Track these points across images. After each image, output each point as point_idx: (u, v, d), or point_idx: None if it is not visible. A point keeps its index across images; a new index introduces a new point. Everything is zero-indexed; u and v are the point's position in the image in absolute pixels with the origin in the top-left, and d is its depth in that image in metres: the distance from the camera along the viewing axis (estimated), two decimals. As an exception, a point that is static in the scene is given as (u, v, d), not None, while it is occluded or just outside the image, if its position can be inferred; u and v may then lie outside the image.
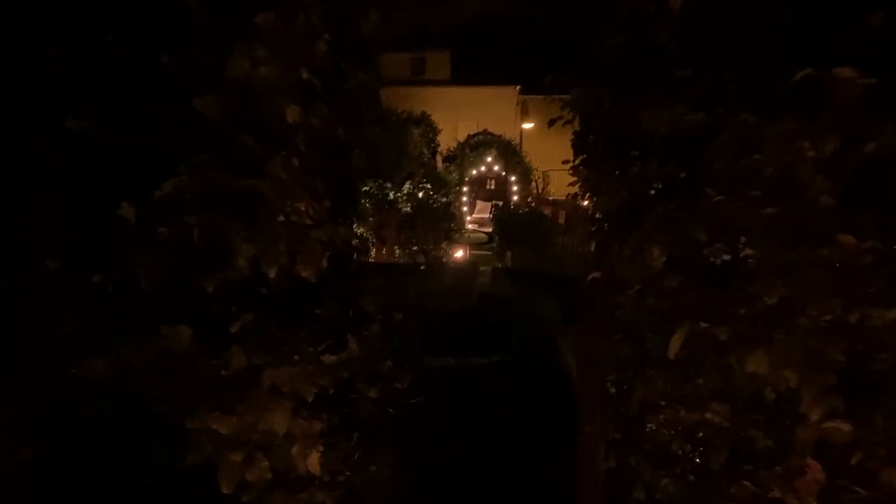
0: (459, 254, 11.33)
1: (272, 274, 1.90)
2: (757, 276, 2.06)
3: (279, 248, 1.88)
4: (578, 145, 3.83)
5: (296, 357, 2.01)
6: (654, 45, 2.91)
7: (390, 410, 3.55)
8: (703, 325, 2.19)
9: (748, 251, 2.16)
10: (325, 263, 2.14)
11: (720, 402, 2.33)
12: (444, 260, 14.06)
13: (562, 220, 16.93)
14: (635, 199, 3.03)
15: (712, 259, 2.40)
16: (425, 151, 22.36)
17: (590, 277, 3.93)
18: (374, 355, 3.29)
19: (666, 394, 2.70)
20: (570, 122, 3.96)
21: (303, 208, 2.01)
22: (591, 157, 3.57)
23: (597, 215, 3.46)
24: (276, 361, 1.91)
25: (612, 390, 3.37)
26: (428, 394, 8.16)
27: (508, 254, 14.69)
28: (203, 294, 1.86)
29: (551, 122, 4.00)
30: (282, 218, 1.96)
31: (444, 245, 14.49)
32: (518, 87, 30.88)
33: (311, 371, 2.04)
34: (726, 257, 2.49)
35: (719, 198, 2.24)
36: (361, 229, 15.58)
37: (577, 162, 3.87)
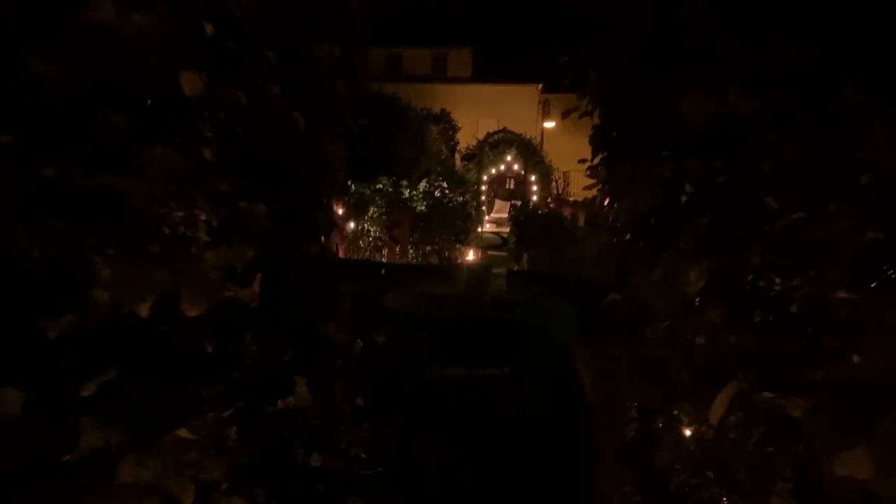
0: (471, 256, 10.74)
1: (143, 313, 1.30)
2: (853, 327, 1.44)
3: (153, 276, 1.30)
4: (598, 141, 3.19)
5: (181, 431, 1.40)
6: (694, 14, 2.27)
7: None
8: (766, 394, 1.57)
9: (841, 292, 1.51)
10: (236, 292, 1.53)
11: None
12: (459, 261, 13.44)
13: (582, 223, 16.24)
14: (667, 207, 2.39)
15: (774, 293, 1.78)
16: (444, 149, 21.74)
17: (608, 300, 3.27)
18: (336, 400, 2.65)
19: (702, 461, 2.07)
20: (588, 113, 3.30)
21: (202, 217, 1.41)
22: (612, 154, 2.93)
23: (618, 224, 2.82)
24: (143, 441, 1.31)
25: (634, 440, 2.73)
26: (431, 408, 7.57)
27: (525, 256, 14.05)
28: (42, 341, 1.27)
29: (566, 114, 3.35)
30: (167, 231, 1.36)
31: (458, 246, 13.84)
32: (540, 86, 30.23)
33: (200, 453, 1.43)
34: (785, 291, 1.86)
35: (798, 215, 1.60)
36: (373, 228, 15.00)
37: (595, 161, 3.23)
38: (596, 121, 3.60)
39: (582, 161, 3.49)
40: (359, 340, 3.08)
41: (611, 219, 2.90)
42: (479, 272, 9.43)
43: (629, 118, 2.66)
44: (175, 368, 1.41)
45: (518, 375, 8.29)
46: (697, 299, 2.22)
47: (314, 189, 2.70)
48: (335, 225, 3.27)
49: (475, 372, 8.38)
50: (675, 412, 2.45)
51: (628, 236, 2.73)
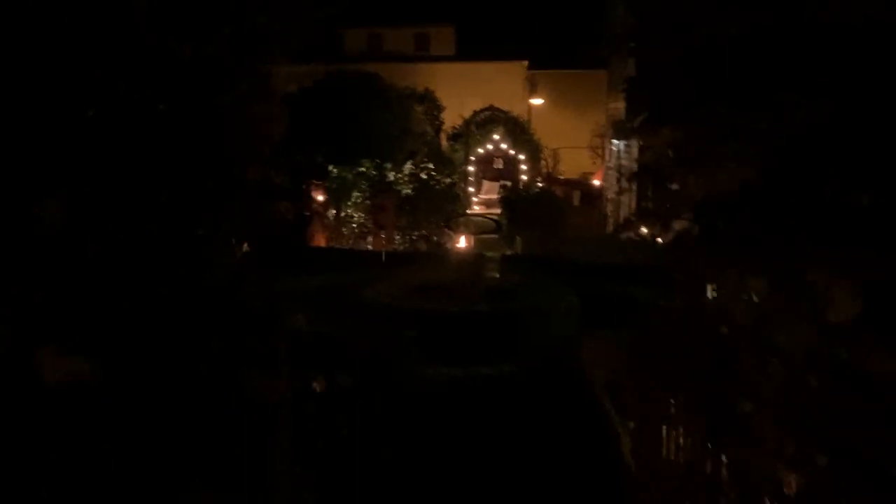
0: (462, 242, 9.82)
1: None
2: None
3: None
4: (638, 92, 2.23)
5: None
6: None
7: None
8: None
9: None
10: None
11: None
12: (448, 247, 12.51)
13: (577, 202, 15.32)
14: (785, 178, 1.44)
15: None
16: (429, 129, 20.68)
17: (661, 306, 2.37)
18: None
19: None
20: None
21: None
22: (667, 104, 1.97)
23: (686, 207, 1.87)
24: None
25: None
26: (423, 415, 6.64)
27: (518, 239, 13.14)
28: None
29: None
30: None
31: (447, 232, 12.82)
32: (526, 62, 29.12)
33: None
34: None
35: None
36: (357, 215, 14.04)
37: (638, 122, 2.27)
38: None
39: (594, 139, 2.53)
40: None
41: (676, 197, 1.95)
42: (472, 260, 8.50)
43: (706, 44, 1.71)
44: None
45: (520, 374, 7.39)
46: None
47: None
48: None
49: (472, 371, 7.48)
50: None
51: (706, 220, 1.79)
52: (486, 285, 8.56)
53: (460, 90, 26.79)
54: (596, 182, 21.55)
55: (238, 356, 2.46)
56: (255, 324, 2.68)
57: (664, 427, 2.76)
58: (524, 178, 21.01)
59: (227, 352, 2.40)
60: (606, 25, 17.41)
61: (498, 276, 10.26)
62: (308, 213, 12.00)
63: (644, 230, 14.61)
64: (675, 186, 2.05)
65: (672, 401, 3.08)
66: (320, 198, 12.42)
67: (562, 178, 23.80)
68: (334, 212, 13.60)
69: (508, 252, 13.48)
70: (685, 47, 1.82)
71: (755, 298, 1.51)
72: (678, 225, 2.04)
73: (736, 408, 1.74)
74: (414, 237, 13.75)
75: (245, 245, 2.86)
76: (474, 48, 29.13)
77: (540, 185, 19.53)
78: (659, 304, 9.63)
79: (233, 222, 2.38)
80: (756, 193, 1.57)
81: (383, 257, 10.80)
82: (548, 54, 28.09)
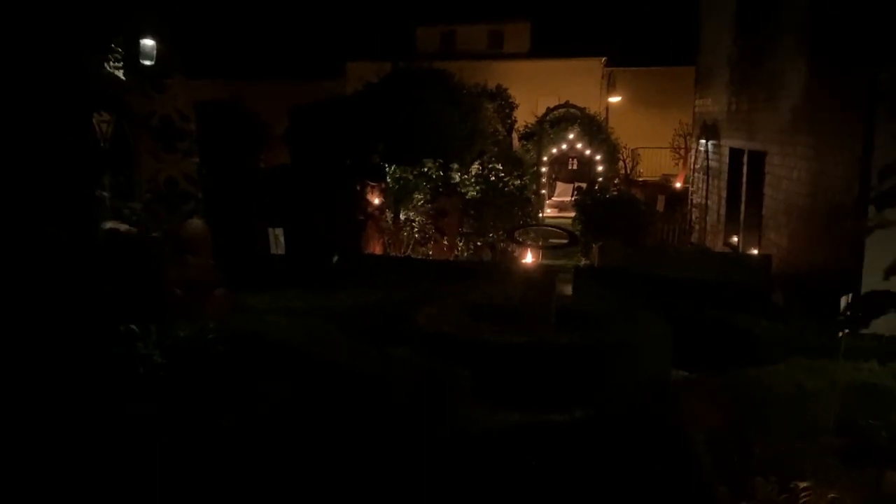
0: (529, 258, 8.33)
1: None
2: None
3: None
4: None
5: None
6: None
7: None
8: None
9: None
10: None
11: None
12: (515, 255, 10.95)
13: (661, 207, 13.54)
14: None
15: None
16: (500, 128, 19.11)
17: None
18: None
19: None
20: None
21: None
22: None
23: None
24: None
25: None
26: (473, 470, 5.16)
27: (595, 248, 11.50)
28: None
29: None
30: None
31: (513, 247, 11.09)
32: (604, 59, 27.32)
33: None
34: None
35: None
36: (418, 219, 12.66)
37: None
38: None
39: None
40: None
41: None
42: (542, 275, 6.97)
43: None
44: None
45: (598, 423, 5.84)
46: None
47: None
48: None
49: (537, 418, 5.98)
50: None
51: None
52: (557, 307, 7.01)
53: (534, 89, 25.22)
54: (678, 185, 19.64)
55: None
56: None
57: None
58: (600, 179, 19.25)
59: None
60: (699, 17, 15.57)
61: (571, 295, 8.69)
62: (363, 217, 10.68)
63: (735, 240, 12.50)
64: None
65: None
66: (377, 200, 11.09)
67: (640, 180, 21.93)
68: (392, 215, 12.25)
69: (583, 263, 11.84)
70: None
71: None
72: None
73: None
74: (479, 244, 12.27)
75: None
76: (550, 45, 27.52)
77: (617, 187, 17.78)
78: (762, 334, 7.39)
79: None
80: None
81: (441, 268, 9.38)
82: (626, 51, 26.23)
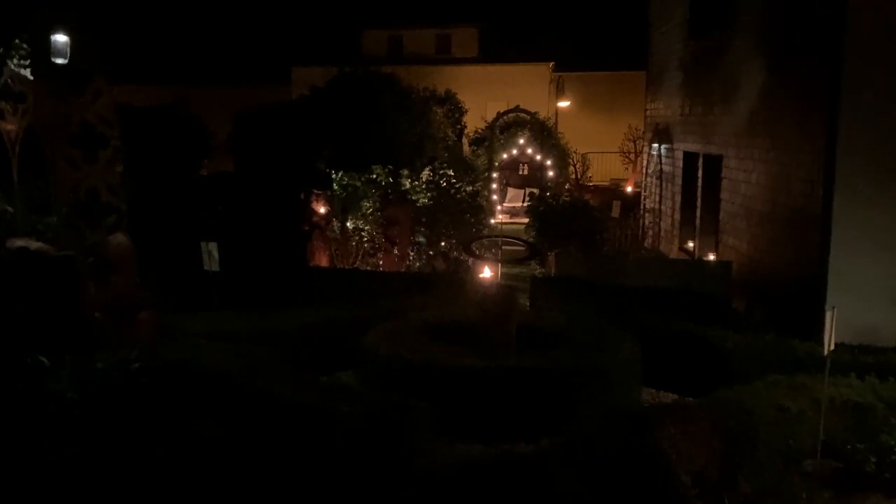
0: (486, 273, 7.75)
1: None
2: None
3: None
4: None
5: None
6: None
7: None
8: None
9: None
10: None
11: None
12: (471, 264, 10.35)
13: (617, 213, 13.11)
14: None
15: None
16: (450, 134, 18.54)
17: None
18: None
19: None
20: None
21: None
22: None
23: None
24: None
25: None
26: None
27: (551, 256, 10.99)
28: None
29: None
30: None
31: (469, 260, 10.41)
32: (552, 64, 27.03)
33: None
34: None
35: None
36: (367, 228, 11.99)
37: None
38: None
39: None
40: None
41: None
42: (502, 295, 6.39)
43: None
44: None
45: (565, 454, 5.27)
46: None
47: None
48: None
49: (500, 449, 5.39)
50: None
51: None
52: (518, 324, 6.44)
53: (484, 93, 24.80)
54: (628, 189, 19.36)
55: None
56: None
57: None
58: (550, 185, 18.82)
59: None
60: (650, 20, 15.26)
61: (531, 309, 8.14)
62: (307, 228, 9.96)
63: (691, 245, 11.99)
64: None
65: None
66: (323, 209, 10.40)
67: (591, 184, 21.63)
68: (339, 225, 11.55)
69: (538, 271, 11.33)
70: None
71: None
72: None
73: None
74: (431, 254, 11.65)
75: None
76: (498, 50, 27.13)
77: (569, 192, 17.37)
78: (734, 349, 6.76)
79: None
80: None
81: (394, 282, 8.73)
82: (575, 55, 25.98)
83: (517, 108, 19.14)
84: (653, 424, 4.82)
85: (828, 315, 4.79)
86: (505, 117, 19.73)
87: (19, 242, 5.98)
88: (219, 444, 4.76)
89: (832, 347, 4.86)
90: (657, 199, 14.27)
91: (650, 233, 14.25)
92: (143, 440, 4.77)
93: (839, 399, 5.27)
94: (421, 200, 12.19)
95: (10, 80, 5.77)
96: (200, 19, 27.56)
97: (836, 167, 7.63)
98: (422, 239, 11.64)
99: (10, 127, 6.08)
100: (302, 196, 10.07)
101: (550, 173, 19.23)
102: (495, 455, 5.24)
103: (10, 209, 5.93)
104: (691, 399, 6.01)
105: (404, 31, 28.39)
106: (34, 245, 6.01)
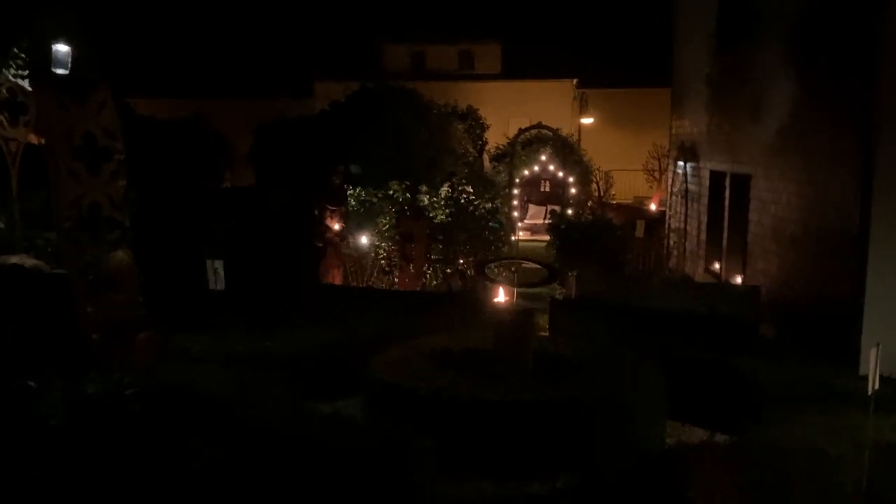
0: (501, 297, 7.37)
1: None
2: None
3: None
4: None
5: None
6: None
7: None
8: None
9: None
10: None
11: None
12: (487, 287, 9.94)
13: (641, 233, 12.65)
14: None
15: None
16: (471, 149, 18.21)
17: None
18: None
19: None
20: None
21: None
22: None
23: None
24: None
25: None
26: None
27: (571, 276, 10.57)
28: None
29: None
30: None
31: (485, 283, 9.94)
32: (575, 80, 26.67)
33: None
34: None
35: None
36: (383, 244, 11.65)
37: None
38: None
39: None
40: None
41: None
42: (519, 320, 5.99)
43: None
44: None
45: (584, 495, 4.85)
46: None
47: None
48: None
49: (512, 489, 4.98)
50: None
51: None
52: (535, 350, 6.04)
53: (506, 109, 24.53)
54: (652, 207, 18.88)
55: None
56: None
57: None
58: (572, 202, 18.41)
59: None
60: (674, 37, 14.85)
61: (548, 333, 7.73)
62: (321, 245, 9.64)
63: (717, 267, 11.42)
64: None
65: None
66: (337, 226, 10.08)
67: (614, 202, 21.16)
68: (354, 241, 11.22)
69: (559, 292, 10.91)
70: None
71: None
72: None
73: None
74: (448, 271, 11.27)
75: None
76: (521, 66, 26.82)
77: (591, 209, 16.93)
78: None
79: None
80: None
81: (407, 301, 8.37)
82: (598, 72, 25.58)
83: (539, 125, 18.77)
84: (678, 468, 4.38)
85: (872, 352, 4.35)
86: (527, 133, 19.38)
87: (13, 259, 5.70)
88: (208, 478, 4.41)
89: (877, 387, 4.41)
90: (682, 218, 13.79)
91: (675, 253, 13.77)
92: (129, 473, 4.44)
93: (884, 442, 4.81)
94: (438, 217, 11.84)
95: (9, 91, 5.53)
96: (225, 34, 27.60)
97: (873, 188, 7.19)
98: (437, 257, 11.27)
99: (10, 138, 5.83)
100: (316, 212, 9.76)
101: (573, 190, 18.82)
102: (506, 496, 4.83)
103: (1, 225, 5.67)
104: (720, 435, 5.57)
105: (427, 46, 28.24)
106: (29, 262, 5.73)
